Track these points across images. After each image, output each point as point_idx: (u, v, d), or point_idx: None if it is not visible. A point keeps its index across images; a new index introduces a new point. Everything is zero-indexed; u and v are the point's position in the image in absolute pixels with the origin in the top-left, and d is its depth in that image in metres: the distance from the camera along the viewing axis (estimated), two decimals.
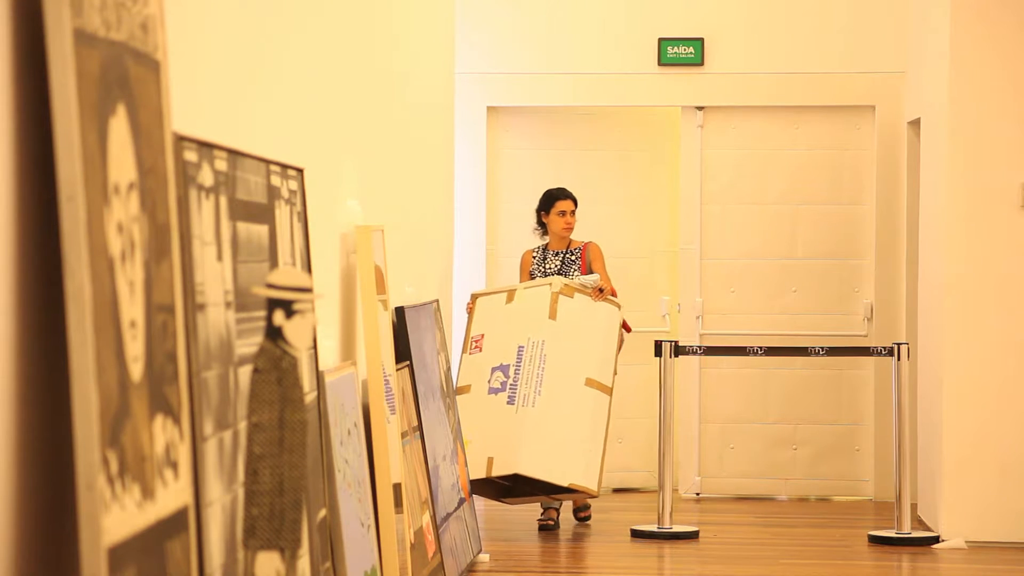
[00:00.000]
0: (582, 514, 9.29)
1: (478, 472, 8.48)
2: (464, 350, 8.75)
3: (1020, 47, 8.89)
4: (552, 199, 9.27)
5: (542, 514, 9.20)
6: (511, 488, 8.77)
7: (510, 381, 8.60)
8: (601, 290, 8.81)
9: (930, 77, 9.43)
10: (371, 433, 5.82)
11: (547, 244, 9.26)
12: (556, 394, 8.57)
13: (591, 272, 9.09)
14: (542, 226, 9.31)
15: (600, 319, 8.81)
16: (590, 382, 8.69)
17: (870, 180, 10.52)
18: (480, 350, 8.70)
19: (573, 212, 9.23)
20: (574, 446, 8.60)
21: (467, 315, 8.91)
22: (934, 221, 9.20)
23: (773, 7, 10.50)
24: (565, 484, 8.53)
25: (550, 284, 8.75)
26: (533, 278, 9.07)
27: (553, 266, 9.14)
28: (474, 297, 8.90)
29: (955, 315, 8.90)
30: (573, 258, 9.17)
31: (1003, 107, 8.89)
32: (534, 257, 9.23)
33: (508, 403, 8.56)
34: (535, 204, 10.90)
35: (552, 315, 8.66)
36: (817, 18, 10.47)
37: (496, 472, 8.50)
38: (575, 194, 11.03)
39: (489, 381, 8.63)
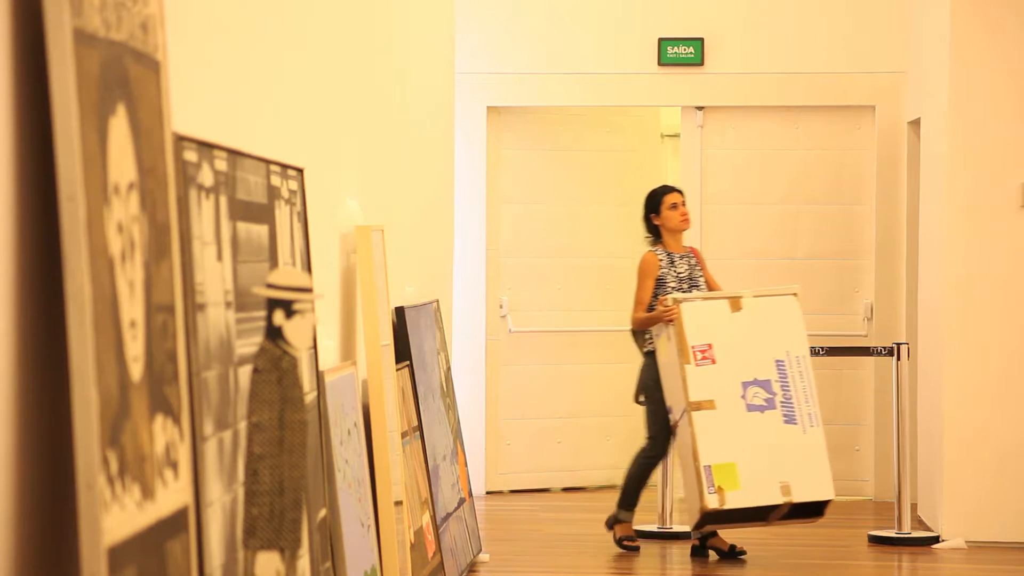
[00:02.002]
0: (739, 548, 8.41)
1: (762, 498, 7.91)
2: (685, 360, 8.01)
3: (1020, 47, 8.89)
4: (660, 195, 8.67)
5: (620, 529, 8.58)
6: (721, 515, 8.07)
7: (779, 398, 8.00)
8: None
9: (930, 77, 9.43)
10: (371, 433, 5.82)
11: (664, 246, 8.61)
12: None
13: (701, 276, 8.58)
14: (654, 231, 8.66)
15: None
16: None
17: (870, 180, 10.52)
18: (713, 362, 8.01)
19: (684, 203, 8.67)
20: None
21: (670, 322, 8.11)
22: (934, 221, 9.20)
23: (773, 7, 10.50)
24: (825, 511, 8.07)
25: (794, 293, 8.21)
26: (664, 283, 8.43)
27: (683, 270, 8.50)
28: (676, 302, 8.13)
29: (955, 315, 8.90)
30: (694, 262, 8.61)
31: (1003, 107, 8.89)
32: (660, 260, 8.50)
33: (787, 422, 7.96)
34: (534, 204, 10.92)
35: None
36: (817, 18, 10.47)
37: (801, 498, 7.94)
38: (570, 194, 11.05)
39: (744, 397, 8.00)
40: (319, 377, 4.87)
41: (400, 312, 6.85)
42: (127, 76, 3.07)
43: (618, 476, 11.07)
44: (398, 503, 5.98)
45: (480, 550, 8.09)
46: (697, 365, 8.00)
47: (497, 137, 10.76)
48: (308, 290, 3.87)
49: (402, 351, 6.82)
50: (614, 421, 10.98)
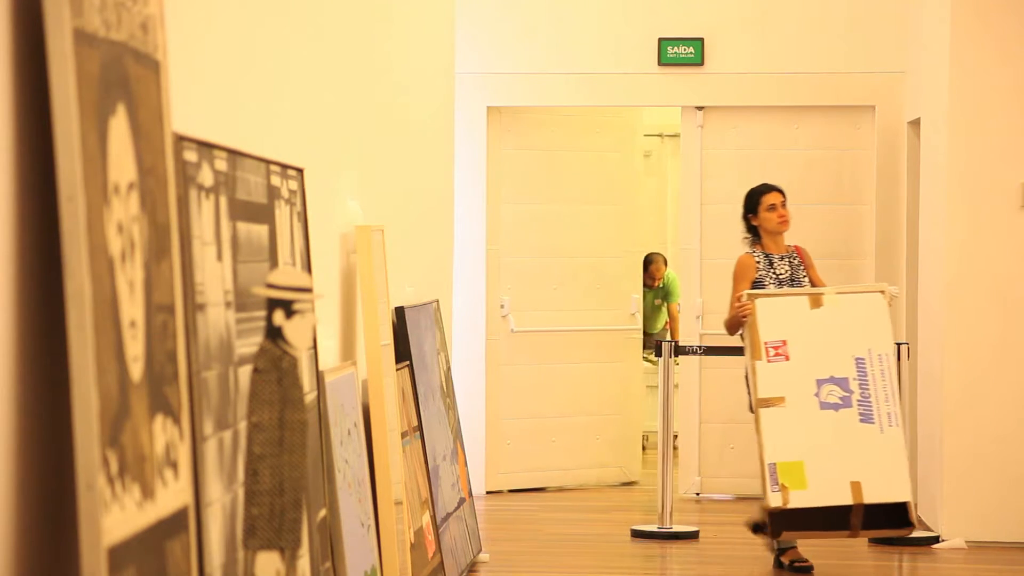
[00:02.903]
0: (800, 563, 8.07)
1: (829, 498, 7.56)
2: (757, 356, 7.76)
3: (1020, 47, 8.89)
4: (757, 196, 8.30)
5: (789, 554, 8.07)
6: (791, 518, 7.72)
7: (856, 396, 7.68)
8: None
9: (930, 77, 9.43)
10: (371, 433, 5.82)
11: (762, 247, 8.27)
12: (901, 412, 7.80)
13: (805, 277, 8.23)
14: (753, 231, 8.32)
15: None
16: None
17: (870, 180, 10.52)
18: (786, 358, 7.73)
19: (784, 204, 8.28)
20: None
21: (743, 318, 7.82)
22: (934, 221, 9.20)
23: (773, 7, 10.50)
24: (914, 519, 7.65)
25: (882, 291, 7.87)
26: (762, 286, 8.08)
27: (783, 271, 8.17)
28: (751, 297, 7.84)
29: (955, 315, 8.90)
30: (797, 262, 8.25)
31: (1003, 107, 8.89)
32: (757, 262, 8.17)
33: (863, 421, 7.64)
34: (534, 204, 10.90)
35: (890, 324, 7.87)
36: (817, 18, 10.47)
37: (872, 499, 7.56)
38: (569, 193, 11.04)
39: (818, 394, 7.68)
40: (319, 377, 4.87)
41: (400, 312, 6.85)
42: (127, 76, 3.07)
43: (608, 475, 11.09)
44: (398, 503, 5.98)
45: (480, 550, 8.09)
46: (769, 361, 7.74)
47: (497, 137, 10.76)
48: (308, 290, 3.87)
49: (402, 351, 6.82)
50: (601, 420, 11.02)
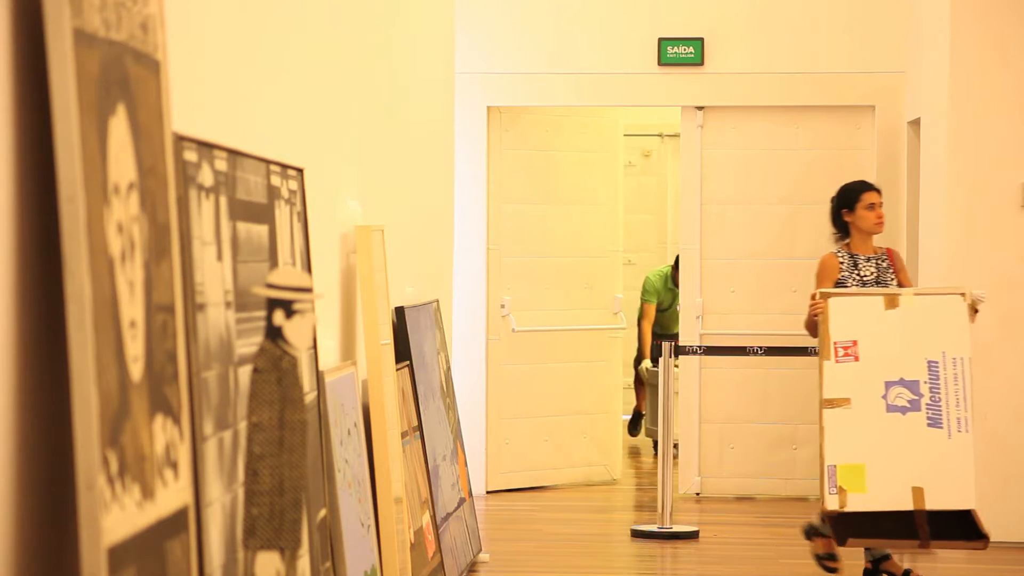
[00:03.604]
0: (914, 572, 7.96)
1: (889, 503, 7.37)
2: (825, 356, 7.49)
3: (1020, 47, 8.90)
4: (857, 192, 7.95)
5: (822, 544, 7.99)
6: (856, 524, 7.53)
7: (925, 400, 7.47)
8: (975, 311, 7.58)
9: (930, 77, 9.43)
10: (371, 433, 5.82)
11: (848, 247, 7.93)
12: (974, 420, 7.59)
13: (893, 280, 7.92)
14: (842, 227, 7.98)
15: None
16: None
17: (870, 180, 10.52)
18: (855, 359, 7.49)
19: (881, 204, 7.96)
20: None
21: (815, 316, 7.54)
22: (934, 221, 9.20)
23: (773, 7, 10.50)
24: (986, 531, 7.38)
25: (963, 294, 7.60)
26: (844, 286, 7.80)
27: (869, 273, 7.86)
28: (824, 296, 7.55)
29: None
30: (885, 264, 7.90)
31: (1003, 107, 8.89)
32: (841, 262, 7.87)
33: (931, 426, 7.43)
34: (534, 204, 10.88)
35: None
36: (817, 18, 10.47)
37: (935, 505, 7.34)
38: (568, 194, 11.05)
39: (885, 397, 7.45)
40: (319, 377, 4.87)
41: (400, 312, 6.85)
42: (127, 76, 3.07)
43: (595, 474, 11.10)
44: (398, 501, 5.98)
45: (480, 550, 8.09)
46: (837, 362, 7.50)
47: (497, 137, 10.76)
48: (308, 290, 3.87)
49: (402, 351, 6.82)
50: (589, 419, 11.05)
